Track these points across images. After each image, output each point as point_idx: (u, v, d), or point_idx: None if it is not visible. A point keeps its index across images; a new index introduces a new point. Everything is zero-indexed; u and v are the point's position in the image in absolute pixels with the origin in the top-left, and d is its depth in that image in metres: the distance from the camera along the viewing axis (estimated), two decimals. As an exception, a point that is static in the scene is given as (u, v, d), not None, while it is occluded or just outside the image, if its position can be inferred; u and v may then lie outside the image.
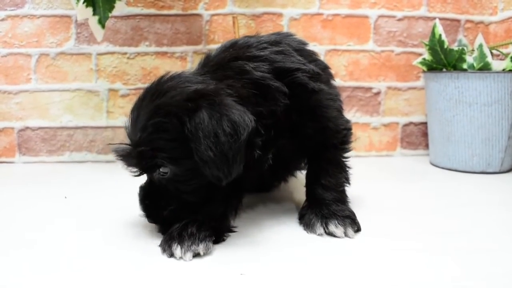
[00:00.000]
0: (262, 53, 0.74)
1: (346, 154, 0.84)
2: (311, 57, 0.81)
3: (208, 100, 0.64)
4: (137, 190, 0.75)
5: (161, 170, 0.69)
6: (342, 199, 0.80)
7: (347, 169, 0.84)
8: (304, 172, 0.88)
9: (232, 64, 0.73)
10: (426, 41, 1.30)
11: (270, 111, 0.71)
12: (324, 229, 0.74)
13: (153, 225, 0.77)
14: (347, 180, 0.83)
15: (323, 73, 0.80)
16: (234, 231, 0.75)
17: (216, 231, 0.71)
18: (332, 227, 0.74)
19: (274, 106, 0.71)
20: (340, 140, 0.82)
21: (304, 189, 0.84)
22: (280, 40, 0.78)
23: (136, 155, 0.69)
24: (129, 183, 1.16)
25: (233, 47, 0.77)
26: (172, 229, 0.69)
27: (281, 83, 0.72)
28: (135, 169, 0.73)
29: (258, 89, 0.70)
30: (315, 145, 0.80)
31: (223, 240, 0.72)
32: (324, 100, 0.77)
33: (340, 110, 0.84)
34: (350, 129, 0.85)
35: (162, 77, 0.72)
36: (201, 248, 0.65)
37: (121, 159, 0.72)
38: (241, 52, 0.75)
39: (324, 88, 0.78)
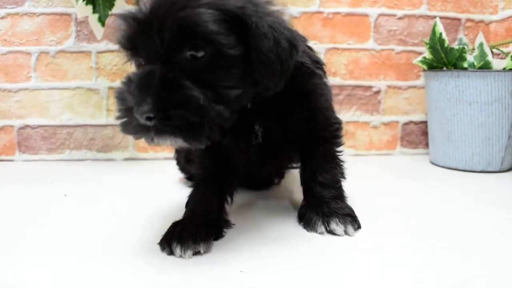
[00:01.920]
0: None
1: (338, 148, 0.83)
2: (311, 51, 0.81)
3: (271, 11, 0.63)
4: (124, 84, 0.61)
5: (193, 52, 0.57)
6: (341, 195, 0.80)
7: (341, 163, 0.83)
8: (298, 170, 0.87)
9: None
10: (427, 39, 1.30)
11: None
12: (325, 227, 0.74)
13: (153, 224, 0.77)
14: (342, 175, 0.83)
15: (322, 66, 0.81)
16: (232, 226, 0.76)
17: (215, 228, 0.71)
18: (333, 225, 0.74)
19: None
20: (331, 134, 0.81)
21: (301, 187, 0.83)
22: None
23: (161, 24, 0.56)
24: (129, 181, 1.16)
25: None
26: (171, 227, 0.69)
27: None
28: (145, 46, 0.59)
29: None
30: (304, 136, 0.79)
31: (222, 236, 0.72)
32: (319, 89, 0.77)
33: (331, 104, 0.83)
34: (340, 123, 0.84)
35: None
36: (202, 247, 0.65)
37: (128, 27, 0.61)
38: None
39: (322, 75, 0.78)
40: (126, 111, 0.58)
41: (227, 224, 0.75)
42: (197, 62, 0.58)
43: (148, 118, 0.54)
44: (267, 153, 0.78)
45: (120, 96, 0.60)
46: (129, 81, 0.59)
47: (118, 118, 0.61)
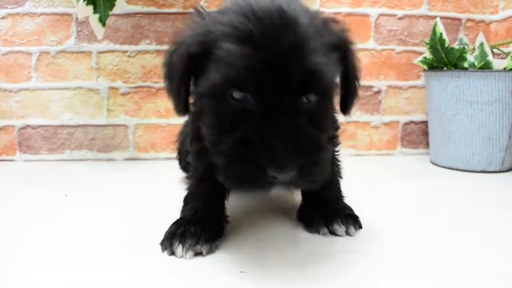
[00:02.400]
0: None
1: (336, 148, 0.82)
2: None
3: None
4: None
5: (309, 97, 0.56)
6: (340, 195, 0.80)
7: (339, 163, 0.83)
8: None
9: None
10: (427, 39, 1.30)
11: None
12: (328, 228, 0.74)
13: (154, 224, 0.77)
14: (339, 174, 0.82)
15: None
16: (228, 221, 0.75)
17: (219, 228, 0.71)
18: (335, 226, 0.73)
19: None
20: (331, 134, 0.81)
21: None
22: None
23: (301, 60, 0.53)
24: (129, 181, 1.16)
25: None
26: (172, 227, 0.69)
27: None
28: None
29: None
30: None
31: (223, 235, 0.72)
32: None
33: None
34: (337, 121, 0.84)
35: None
36: (204, 249, 0.65)
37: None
38: None
39: None
40: (252, 168, 0.52)
41: (226, 220, 0.75)
42: (309, 105, 0.57)
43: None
44: None
45: (240, 154, 0.53)
46: (246, 138, 0.52)
47: (232, 171, 0.54)
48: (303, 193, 0.82)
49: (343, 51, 0.62)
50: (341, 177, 0.83)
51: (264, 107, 0.53)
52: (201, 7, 0.63)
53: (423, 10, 1.48)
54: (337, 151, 0.83)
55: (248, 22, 0.53)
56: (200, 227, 0.67)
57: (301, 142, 0.52)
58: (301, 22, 0.54)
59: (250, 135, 0.52)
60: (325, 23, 0.62)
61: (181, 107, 0.62)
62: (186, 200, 0.75)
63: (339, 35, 0.63)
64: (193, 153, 0.76)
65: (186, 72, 0.59)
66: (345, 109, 0.68)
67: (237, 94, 0.54)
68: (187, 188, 0.76)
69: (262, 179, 0.52)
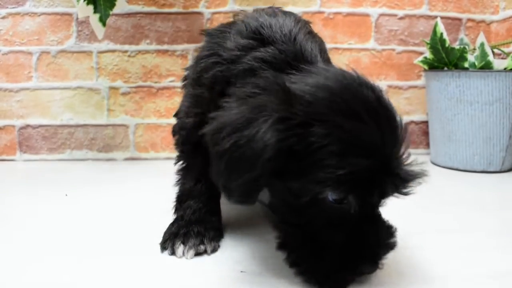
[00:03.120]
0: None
1: None
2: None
3: None
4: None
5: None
6: None
7: None
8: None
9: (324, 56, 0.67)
10: (428, 39, 1.30)
11: None
12: None
13: (154, 224, 0.77)
14: None
15: None
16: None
17: (218, 228, 0.72)
18: None
19: None
20: None
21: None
22: None
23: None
24: (129, 181, 1.16)
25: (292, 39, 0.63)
26: (172, 228, 0.69)
27: None
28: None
29: None
30: None
31: (223, 236, 0.72)
32: None
33: None
34: None
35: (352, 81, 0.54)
36: (209, 247, 0.66)
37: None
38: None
39: None
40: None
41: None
42: None
43: None
44: None
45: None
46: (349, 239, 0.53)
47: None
48: None
49: None
50: None
51: (362, 208, 0.52)
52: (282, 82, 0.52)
53: (424, 10, 1.48)
54: None
55: (368, 128, 0.49)
56: (203, 227, 0.68)
57: (385, 234, 0.56)
58: (399, 121, 0.54)
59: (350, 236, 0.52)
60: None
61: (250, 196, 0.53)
62: (181, 199, 0.73)
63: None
64: (187, 151, 0.74)
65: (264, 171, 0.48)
66: None
67: (335, 195, 0.51)
68: (179, 187, 0.75)
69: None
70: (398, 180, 0.52)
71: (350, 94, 0.50)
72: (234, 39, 0.64)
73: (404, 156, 0.52)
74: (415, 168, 0.54)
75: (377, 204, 0.55)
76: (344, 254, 0.52)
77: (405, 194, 0.56)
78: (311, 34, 0.67)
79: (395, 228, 0.57)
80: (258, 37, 0.62)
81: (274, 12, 0.68)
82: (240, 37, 0.64)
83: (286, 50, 0.60)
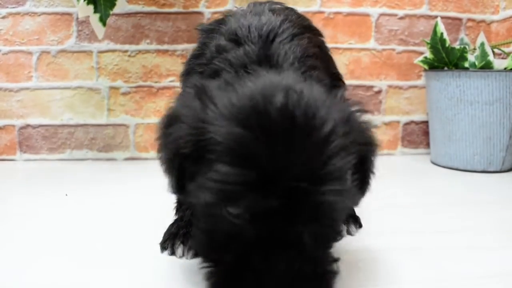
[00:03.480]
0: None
1: None
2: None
3: None
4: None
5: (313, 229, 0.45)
6: None
7: None
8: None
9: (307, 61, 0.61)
10: (428, 39, 1.30)
11: None
12: None
13: (154, 224, 0.77)
14: None
15: None
16: None
17: None
18: None
19: None
20: None
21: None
22: None
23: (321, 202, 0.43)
24: (129, 181, 1.16)
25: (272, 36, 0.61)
26: (172, 229, 0.69)
27: None
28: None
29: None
30: None
31: None
32: None
33: None
34: None
35: (281, 83, 0.47)
36: None
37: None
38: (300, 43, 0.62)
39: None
40: None
41: None
42: (311, 237, 0.46)
43: None
44: None
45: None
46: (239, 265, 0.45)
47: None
48: None
49: (363, 154, 0.52)
50: None
51: (260, 234, 0.43)
52: (202, 85, 0.51)
53: (424, 10, 1.48)
54: None
55: (251, 136, 0.42)
56: None
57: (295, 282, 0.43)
58: (318, 135, 0.43)
59: (242, 262, 0.44)
60: (349, 120, 0.49)
61: (176, 189, 0.55)
62: (180, 200, 0.73)
63: (365, 136, 0.53)
64: None
65: (179, 170, 0.51)
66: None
67: (233, 210, 0.44)
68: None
69: None
70: (283, 198, 0.41)
71: (251, 105, 0.44)
72: (217, 39, 0.63)
73: (323, 176, 0.42)
74: (330, 189, 0.42)
75: (285, 239, 0.43)
76: (224, 276, 0.46)
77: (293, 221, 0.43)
78: (300, 36, 0.62)
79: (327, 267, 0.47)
80: (235, 38, 0.61)
81: (262, 10, 0.66)
82: (223, 38, 0.63)
83: (251, 52, 0.58)
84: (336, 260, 0.51)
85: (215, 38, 0.64)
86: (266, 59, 0.58)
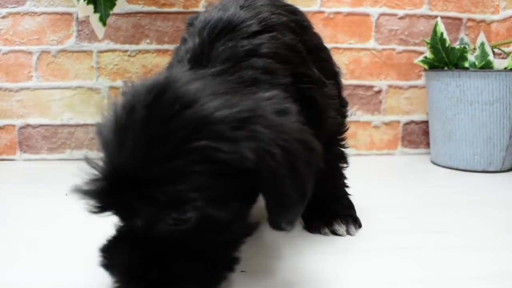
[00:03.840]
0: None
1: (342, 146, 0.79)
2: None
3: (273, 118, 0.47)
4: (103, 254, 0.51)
5: (178, 216, 0.44)
6: (344, 195, 0.79)
7: (343, 162, 0.80)
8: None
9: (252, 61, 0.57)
10: (428, 39, 1.30)
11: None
12: (328, 228, 0.74)
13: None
14: (343, 174, 0.80)
15: None
16: None
17: None
18: (335, 226, 0.73)
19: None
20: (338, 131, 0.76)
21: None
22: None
23: (148, 196, 0.42)
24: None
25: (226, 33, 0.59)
26: None
27: None
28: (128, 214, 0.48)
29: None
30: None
31: None
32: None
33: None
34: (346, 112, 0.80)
35: (160, 78, 0.48)
36: None
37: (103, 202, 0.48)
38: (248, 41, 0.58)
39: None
40: None
41: None
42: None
43: None
44: None
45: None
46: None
47: None
48: None
49: (269, 164, 0.44)
50: (345, 178, 0.81)
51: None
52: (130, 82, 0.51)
53: (424, 9, 1.48)
54: (341, 145, 0.79)
55: (108, 134, 0.46)
56: None
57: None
58: (154, 134, 0.43)
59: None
60: (245, 122, 0.45)
61: None
62: None
63: (274, 140, 0.45)
64: None
65: None
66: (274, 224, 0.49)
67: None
68: None
69: None
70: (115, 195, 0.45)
71: (124, 102, 0.46)
72: (191, 34, 0.62)
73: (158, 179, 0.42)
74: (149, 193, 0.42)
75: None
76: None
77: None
78: (263, 35, 0.60)
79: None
80: (192, 31, 0.61)
81: (231, 5, 0.63)
82: (190, 30, 0.63)
83: (192, 48, 0.58)
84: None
85: (190, 34, 0.63)
86: (198, 57, 0.56)
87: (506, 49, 1.38)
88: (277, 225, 0.48)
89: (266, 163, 0.44)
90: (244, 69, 0.55)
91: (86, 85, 1.41)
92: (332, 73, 0.77)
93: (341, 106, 0.78)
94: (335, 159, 0.78)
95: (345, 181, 0.81)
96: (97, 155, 0.48)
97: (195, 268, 0.46)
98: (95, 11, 1.15)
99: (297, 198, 0.46)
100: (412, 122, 1.53)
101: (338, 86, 0.78)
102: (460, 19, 1.51)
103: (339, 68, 0.82)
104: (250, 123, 0.45)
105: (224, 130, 0.43)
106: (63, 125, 1.41)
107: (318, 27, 1.45)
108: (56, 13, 1.38)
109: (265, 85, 0.55)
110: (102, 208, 0.48)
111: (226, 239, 0.49)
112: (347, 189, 0.80)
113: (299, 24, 0.71)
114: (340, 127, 0.77)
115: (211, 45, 0.57)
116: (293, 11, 0.74)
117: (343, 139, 0.79)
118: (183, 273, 0.45)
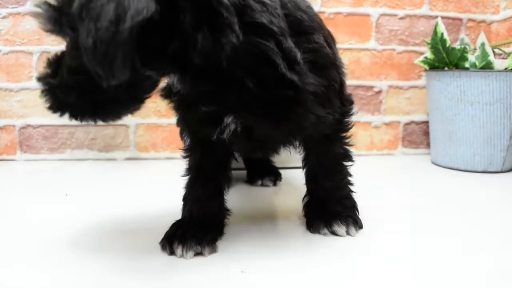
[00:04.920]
0: None
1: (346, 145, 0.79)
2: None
3: None
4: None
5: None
6: (347, 195, 0.79)
7: (347, 162, 0.80)
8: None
9: None
10: (428, 39, 1.30)
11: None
12: (328, 229, 0.74)
13: (155, 224, 0.77)
14: (347, 174, 0.80)
15: None
16: (230, 214, 0.75)
17: (219, 229, 0.71)
18: (335, 227, 0.73)
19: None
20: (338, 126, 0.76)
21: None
22: None
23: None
24: (130, 181, 1.17)
25: None
26: (172, 229, 0.69)
27: None
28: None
29: None
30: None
31: (224, 233, 0.72)
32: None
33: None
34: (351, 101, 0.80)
35: None
36: (206, 251, 0.65)
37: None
38: None
39: None
40: None
41: (228, 215, 0.75)
42: None
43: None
44: (257, 144, 0.72)
45: None
46: None
47: None
48: (308, 187, 0.80)
49: None
50: (349, 176, 0.80)
51: None
52: None
53: (424, 10, 1.48)
54: (344, 143, 0.79)
55: None
56: (200, 228, 0.67)
57: None
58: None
59: None
60: None
61: None
62: (184, 200, 0.74)
63: None
64: (185, 148, 0.76)
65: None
66: None
67: None
68: (184, 187, 0.75)
69: None
70: None
71: None
72: None
73: None
74: None
75: None
76: None
77: None
78: None
79: None
80: None
81: None
82: None
83: None
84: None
85: None
86: None
87: (507, 50, 1.38)
88: (95, 74, 0.50)
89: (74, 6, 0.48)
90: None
91: (87, 85, 1.41)
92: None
93: (342, 104, 0.78)
94: (336, 158, 0.78)
95: (350, 179, 0.80)
96: None
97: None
98: (96, 11, 1.16)
99: (92, 46, 0.47)
100: (412, 122, 1.53)
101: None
102: (460, 19, 1.51)
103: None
104: None
105: None
106: (63, 125, 1.42)
107: (319, 27, 1.45)
108: (57, 13, 1.38)
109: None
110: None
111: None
112: (351, 188, 0.80)
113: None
114: (340, 126, 0.78)
115: None
116: None
117: (345, 137, 0.79)
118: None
